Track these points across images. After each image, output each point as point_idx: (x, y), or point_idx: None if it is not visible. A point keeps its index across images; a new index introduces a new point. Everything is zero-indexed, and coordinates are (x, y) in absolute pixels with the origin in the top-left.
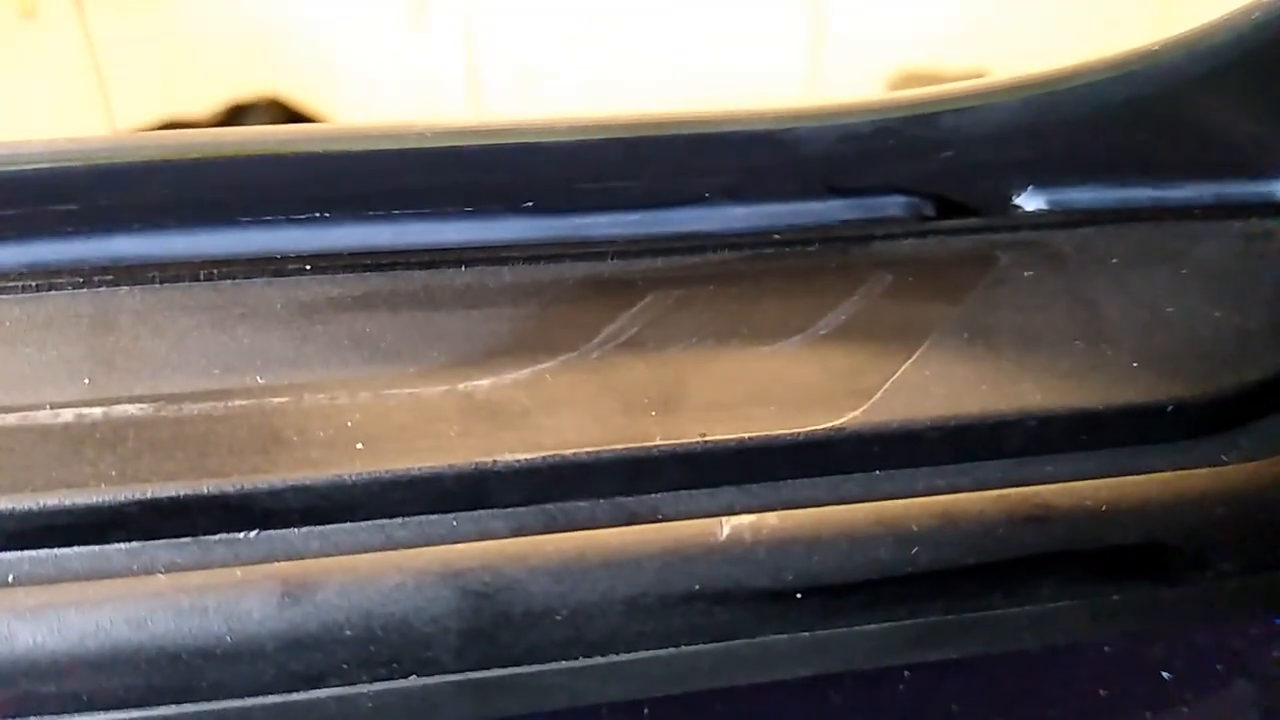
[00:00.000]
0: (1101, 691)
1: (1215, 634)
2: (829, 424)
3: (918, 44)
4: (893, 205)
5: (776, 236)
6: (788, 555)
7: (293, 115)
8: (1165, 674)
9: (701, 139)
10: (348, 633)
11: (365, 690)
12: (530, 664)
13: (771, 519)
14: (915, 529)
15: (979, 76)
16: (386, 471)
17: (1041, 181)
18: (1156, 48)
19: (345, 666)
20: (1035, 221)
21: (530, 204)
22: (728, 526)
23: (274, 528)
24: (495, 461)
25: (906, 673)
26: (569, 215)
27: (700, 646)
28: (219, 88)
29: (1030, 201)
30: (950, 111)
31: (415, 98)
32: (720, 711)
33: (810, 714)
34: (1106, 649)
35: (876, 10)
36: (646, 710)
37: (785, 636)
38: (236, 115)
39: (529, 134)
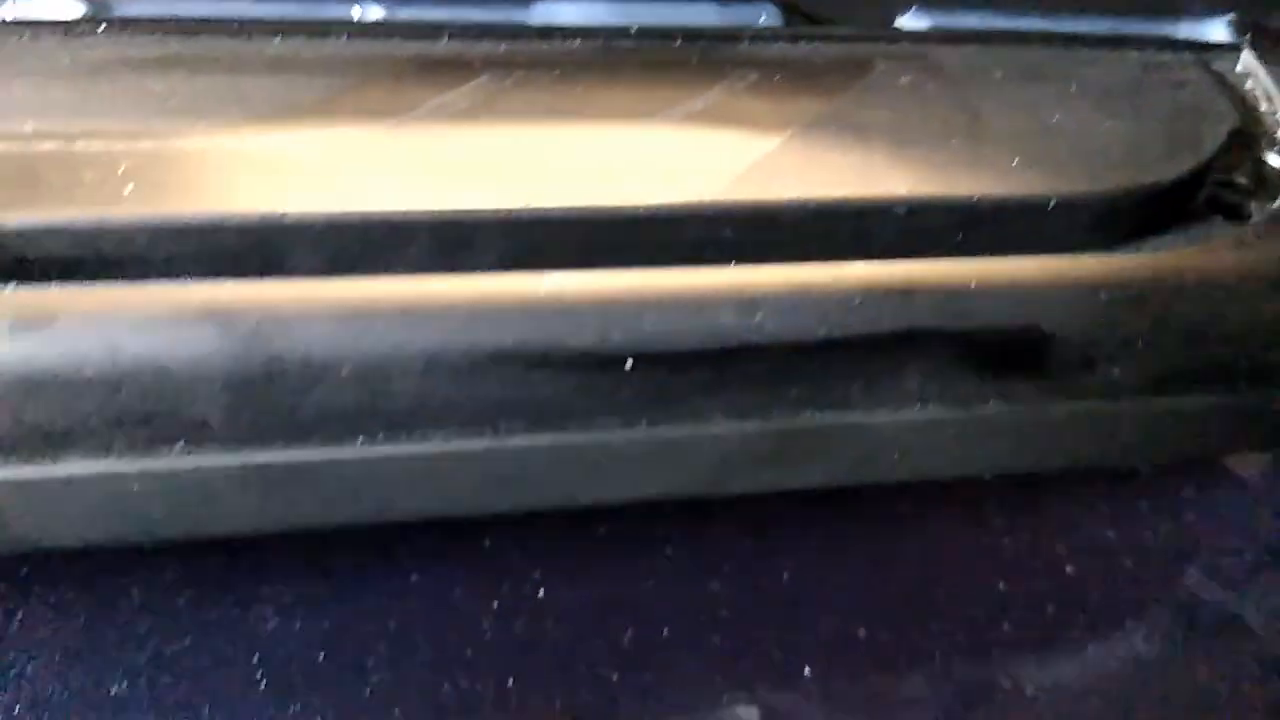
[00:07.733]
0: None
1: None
2: (676, 200)
3: None
4: (766, 14)
5: (633, 31)
6: (615, 316)
7: None
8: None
9: None
10: (87, 373)
11: (120, 469)
12: (315, 440)
13: (599, 276)
14: (761, 295)
15: None
16: (155, 218)
17: (925, 2)
18: None
19: (92, 421)
20: (917, 37)
21: None
22: (549, 281)
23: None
24: (285, 215)
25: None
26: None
27: (520, 441)
28: None
29: (913, 23)
30: None
31: None
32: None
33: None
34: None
35: None
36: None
37: (618, 433)
38: None
39: None
